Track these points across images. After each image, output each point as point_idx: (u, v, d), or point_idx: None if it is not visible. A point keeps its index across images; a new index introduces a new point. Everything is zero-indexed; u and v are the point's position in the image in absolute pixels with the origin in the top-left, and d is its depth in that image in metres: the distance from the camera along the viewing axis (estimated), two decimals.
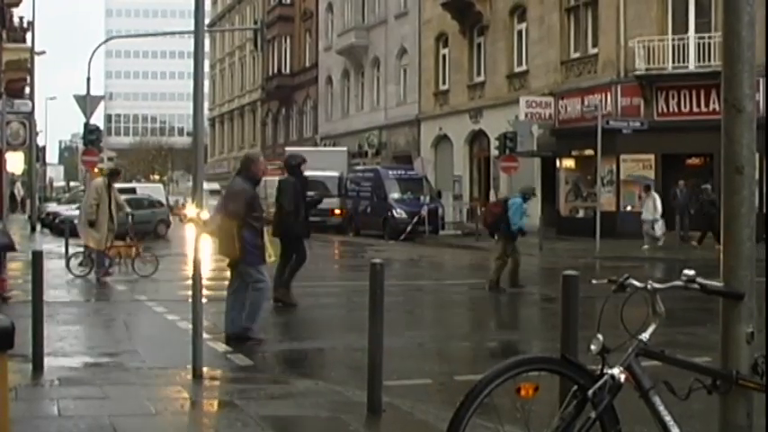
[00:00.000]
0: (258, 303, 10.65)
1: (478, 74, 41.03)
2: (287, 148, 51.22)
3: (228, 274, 11.05)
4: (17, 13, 44.56)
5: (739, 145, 4.13)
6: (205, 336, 8.68)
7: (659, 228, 27.09)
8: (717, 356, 4.23)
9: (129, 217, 19.83)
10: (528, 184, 23.06)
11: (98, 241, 17.76)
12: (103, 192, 17.88)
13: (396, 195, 36.24)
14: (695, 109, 29.77)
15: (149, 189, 47.05)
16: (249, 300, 10.63)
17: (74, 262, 18.98)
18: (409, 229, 33.57)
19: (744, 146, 4.13)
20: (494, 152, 35.46)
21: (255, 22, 48.65)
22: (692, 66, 29.64)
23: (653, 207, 27.21)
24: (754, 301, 4.17)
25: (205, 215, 9.10)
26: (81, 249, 19.15)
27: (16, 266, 20.05)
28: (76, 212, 33.25)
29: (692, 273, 4.09)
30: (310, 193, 16.18)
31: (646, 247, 26.38)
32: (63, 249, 23.37)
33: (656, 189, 29.06)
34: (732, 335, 4.15)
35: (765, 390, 3.99)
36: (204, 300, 13.41)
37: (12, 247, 13.76)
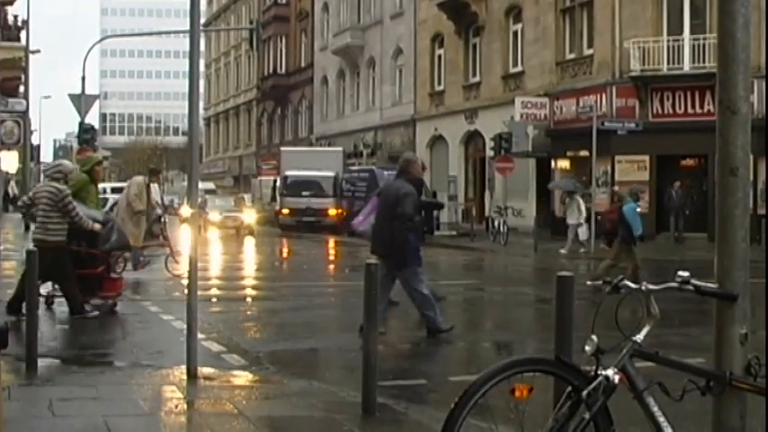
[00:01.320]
0: (426, 301, 10.88)
1: (474, 74, 41.05)
2: (282, 148, 51.33)
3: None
4: (12, 11, 44.48)
5: (734, 146, 4.13)
6: (200, 335, 8.67)
7: (583, 232, 27.13)
8: (711, 358, 4.24)
9: (163, 216, 20.01)
10: (636, 186, 22.86)
11: (135, 237, 17.90)
12: (143, 189, 17.98)
13: None
14: (690, 110, 29.81)
15: None
16: (416, 302, 11.05)
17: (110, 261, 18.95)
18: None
19: (738, 147, 4.13)
20: (489, 153, 35.49)
21: (251, 22, 48.68)
22: (686, 67, 29.68)
23: (577, 211, 27.26)
24: (747, 302, 4.17)
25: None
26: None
27: (10, 265, 20.04)
28: None
29: (686, 274, 4.09)
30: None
31: (563, 251, 26.38)
32: None
33: (650, 190, 29.12)
34: (726, 336, 4.15)
35: (765, 391, 3.99)
36: (214, 299, 13.52)
37: (128, 247, 13.91)
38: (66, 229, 12.12)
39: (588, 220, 27.25)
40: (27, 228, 38.19)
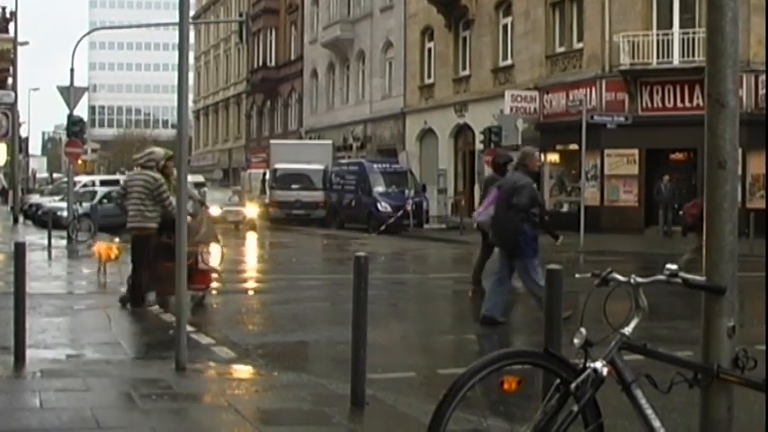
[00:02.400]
0: (541, 291, 10.81)
1: (464, 68, 41.04)
2: (271, 141, 51.26)
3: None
4: (0, 3, 44.35)
5: (722, 140, 4.14)
6: (188, 328, 8.66)
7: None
8: (699, 350, 4.25)
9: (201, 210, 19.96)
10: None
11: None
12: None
13: (380, 189, 36.27)
14: (679, 104, 29.87)
15: None
16: (532, 290, 11.16)
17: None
18: (392, 221, 33.57)
19: (727, 141, 4.14)
20: (479, 146, 35.50)
21: (240, 15, 48.49)
22: (676, 61, 29.74)
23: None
24: (735, 295, 4.19)
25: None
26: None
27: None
28: (60, 204, 33.25)
29: (674, 267, 4.10)
30: None
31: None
32: (45, 241, 23.29)
33: (639, 184, 29.18)
34: (714, 329, 4.16)
35: (766, 387, 4.00)
36: (200, 293, 13.47)
37: (216, 239, 13.96)
38: (158, 217, 12.25)
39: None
40: (16, 220, 38.20)
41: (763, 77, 28.16)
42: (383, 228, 32.99)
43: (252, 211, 38.29)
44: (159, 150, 13.39)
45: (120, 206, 12.95)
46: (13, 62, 42.94)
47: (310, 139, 54.62)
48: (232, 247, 27.97)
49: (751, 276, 14.08)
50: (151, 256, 12.31)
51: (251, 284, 17.27)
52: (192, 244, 12.91)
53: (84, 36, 37.87)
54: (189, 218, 12.57)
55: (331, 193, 40.08)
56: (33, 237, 27.10)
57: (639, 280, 4.11)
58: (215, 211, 37.58)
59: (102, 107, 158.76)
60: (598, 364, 3.93)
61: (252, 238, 32.10)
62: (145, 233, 12.23)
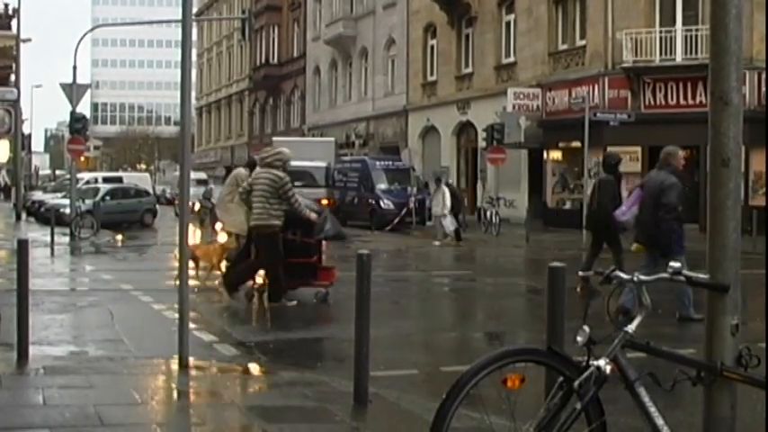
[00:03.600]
0: (686, 289, 10.87)
1: (466, 65, 41.03)
2: (274, 138, 51.21)
3: None
4: (2, 0, 44.38)
5: (726, 137, 4.14)
6: (191, 325, 8.66)
7: (449, 223, 27.19)
8: (702, 348, 4.25)
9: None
10: None
11: (242, 228, 18.00)
12: (245, 180, 18.12)
13: (383, 186, 36.23)
14: (682, 101, 29.84)
15: (136, 178, 46.96)
16: (678, 288, 11.00)
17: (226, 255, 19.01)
18: (397, 220, 33.56)
19: (730, 138, 4.14)
20: (481, 143, 35.47)
21: (243, 12, 48.54)
22: (679, 58, 29.70)
23: (442, 201, 27.33)
24: (739, 293, 4.19)
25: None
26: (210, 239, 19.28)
27: (1, 255, 20.02)
28: (62, 201, 33.29)
29: (677, 265, 4.10)
30: None
31: (437, 243, 26.48)
32: (48, 238, 23.31)
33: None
34: (717, 326, 4.16)
35: (766, 385, 4.00)
36: (196, 289, 13.51)
37: (342, 236, 14.13)
38: (282, 215, 12.41)
39: (454, 210, 27.43)
40: (18, 217, 38.22)
41: (766, 75, 28.11)
42: (389, 228, 32.95)
43: None
44: (287, 151, 13.61)
45: (245, 203, 13.11)
46: (16, 59, 42.97)
47: (313, 136, 54.58)
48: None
49: (754, 274, 14.07)
50: (281, 253, 12.61)
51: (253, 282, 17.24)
52: (317, 241, 13.19)
53: (87, 33, 37.86)
54: (314, 215, 12.80)
55: (333, 190, 40.04)
56: (36, 234, 27.12)
57: (643, 278, 4.11)
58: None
59: (105, 104, 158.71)
60: (601, 362, 3.93)
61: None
62: (269, 231, 12.44)
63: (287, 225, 12.61)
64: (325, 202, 39.96)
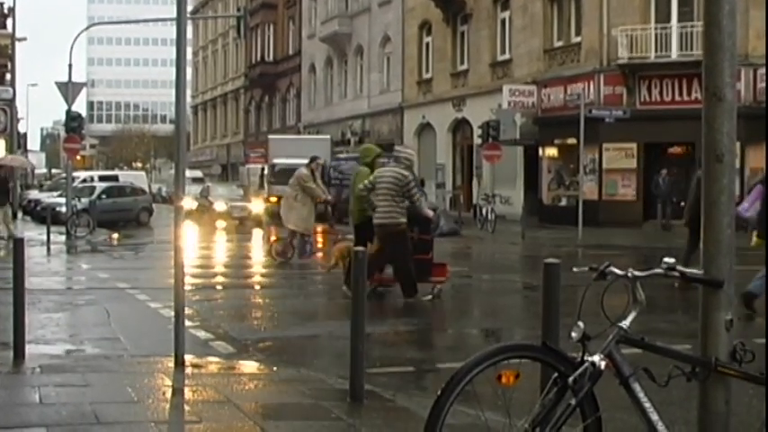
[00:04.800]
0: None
1: (462, 62, 41.04)
2: (269, 136, 51.20)
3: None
4: None
5: (720, 133, 4.15)
6: (187, 323, 8.67)
7: None
8: (696, 344, 4.26)
9: (329, 205, 20.33)
10: None
11: (306, 225, 18.12)
12: (309, 179, 18.41)
13: None
14: (677, 98, 29.87)
15: (132, 177, 46.92)
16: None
17: (275, 248, 19.04)
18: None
19: (724, 134, 4.14)
20: (477, 140, 35.50)
21: (238, 10, 48.46)
22: (674, 55, 29.74)
23: None
24: (732, 288, 4.20)
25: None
26: (284, 235, 19.38)
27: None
28: (58, 200, 33.27)
29: (672, 261, 4.11)
30: None
31: None
32: (44, 237, 23.29)
33: (638, 177, 29.21)
34: (711, 322, 4.17)
35: (766, 382, 4.01)
36: (192, 287, 13.52)
37: (457, 232, 14.23)
38: (405, 213, 12.56)
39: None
40: (15, 216, 38.17)
41: (761, 71, 28.15)
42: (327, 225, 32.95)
43: (257, 206, 37.84)
44: (412, 151, 14.06)
45: (367, 202, 13.19)
46: (12, 58, 42.94)
47: (308, 134, 54.57)
48: (225, 240, 28.01)
49: (749, 270, 14.07)
50: (409, 250, 12.81)
51: (250, 280, 17.27)
52: (432, 238, 13.43)
53: (83, 31, 37.79)
54: (431, 212, 13.13)
55: (329, 187, 39.99)
56: (32, 232, 27.11)
57: (637, 273, 4.11)
58: (220, 206, 37.37)
59: (101, 103, 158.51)
60: (596, 358, 3.93)
61: (255, 234, 32.02)
62: (397, 229, 12.60)
63: (408, 222, 12.86)
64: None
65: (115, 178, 43.74)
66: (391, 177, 12.61)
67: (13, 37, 43.11)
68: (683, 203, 28.89)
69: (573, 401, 3.90)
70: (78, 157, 38.40)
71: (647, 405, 4.01)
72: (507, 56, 37.66)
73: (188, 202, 32.00)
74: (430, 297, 12.89)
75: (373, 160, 14.28)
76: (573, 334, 4.01)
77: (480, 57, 39.12)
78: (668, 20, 30.39)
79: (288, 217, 18.61)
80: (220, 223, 35.38)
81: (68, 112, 30.15)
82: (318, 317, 12.33)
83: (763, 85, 28.02)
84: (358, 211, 13.85)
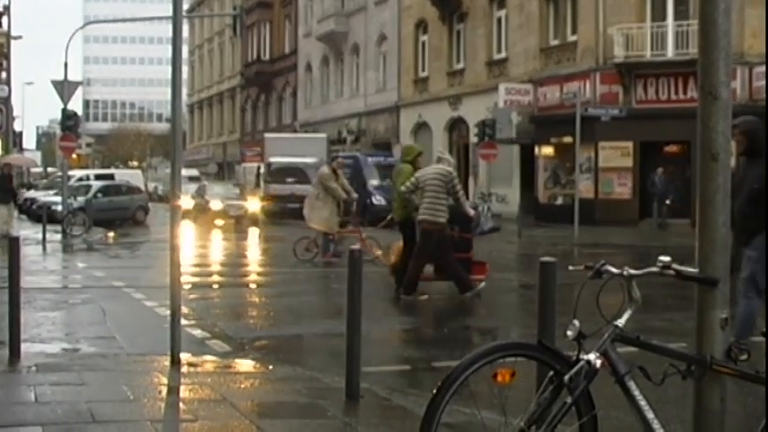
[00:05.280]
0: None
1: (458, 61, 41.05)
2: (266, 135, 51.18)
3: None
4: None
5: (715, 132, 4.15)
6: (183, 322, 8.66)
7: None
8: (692, 342, 4.26)
9: (353, 205, 20.42)
10: None
11: (330, 225, 18.12)
12: (331, 179, 18.50)
13: (375, 182, 36.23)
14: (673, 96, 29.91)
15: (128, 175, 46.88)
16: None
17: (299, 247, 19.01)
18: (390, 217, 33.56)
19: (719, 133, 4.15)
20: (473, 139, 35.52)
21: (234, 8, 48.49)
22: (670, 53, 29.77)
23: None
24: (728, 286, 4.20)
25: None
26: (307, 235, 19.30)
27: None
28: (54, 198, 33.24)
29: (667, 259, 4.11)
30: None
31: None
32: (40, 235, 23.27)
33: (634, 176, 29.22)
34: (707, 320, 4.18)
35: (766, 382, 4.02)
36: (189, 286, 13.51)
37: (497, 230, 14.34)
38: (447, 211, 12.71)
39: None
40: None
41: (757, 69, 28.17)
42: (382, 224, 32.98)
43: (253, 205, 37.81)
44: (449, 157, 14.09)
45: (408, 200, 13.32)
46: (7, 56, 42.90)
47: (305, 132, 54.55)
48: (233, 240, 28.00)
49: None
50: (452, 247, 12.96)
51: (246, 278, 17.27)
52: (472, 236, 13.71)
53: (78, 30, 37.79)
54: (472, 211, 13.33)
55: None
56: (28, 231, 27.08)
57: (633, 272, 4.12)
58: (217, 205, 37.31)
59: (97, 101, 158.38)
60: (591, 356, 3.93)
61: (252, 232, 32.02)
62: (439, 227, 12.72)
63: (450, 220, 12.98)
64: None
65: (111, 177, 43.70)
66: (436, 174, 12.82)
67: (8, 35, 43.09)
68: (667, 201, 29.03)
69: (569, 400, 3.90)
70: (74, 156, 38.40)
71: (643, 403, 4.01)
72: (503, 54, 37.67)
73: (185, 201, 31.97)
74: (480, 287, 13.03)
75: (415, 158, 14.45)
76: (569, 332, 4.01)
77: (476, 55, 39.13)
78: (664, 18, 30.42)
79: (310, 216, 18.66)
80: (217, 222, 35.31)
81: (64, 110, 30.15)
82: (314, 315, 12.33)
83: (760, 83, 28.05)
84: (401, 208, 14.06)
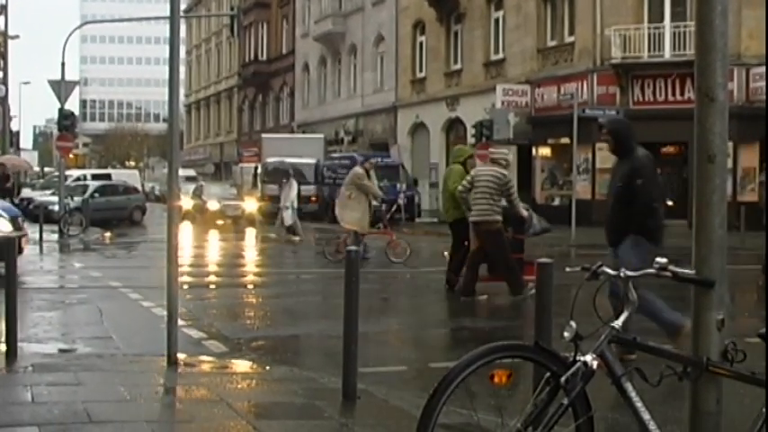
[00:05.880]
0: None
1: (455, 61, 41.06)
2: (263, 135, 51.21)
3: None
4: None
5: (711, 134, 4.15)
6: (180, 322, 8.66)
7: (288, 216, 27.16)
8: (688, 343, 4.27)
9: (382, 205, 20.48)
10: None
11: (362, 225, 18.16)
12: (364, 178, 18.57)
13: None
14: (670, 98, 29.93)
15: (125, 175, 46.87)
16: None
17: (329, 249, 19.03)
18: (389, 216, 33.58)
19: (716, 135, 4.15)
20: (470, 140, 35.49)
21: (232, 8, 48.41)
22: (667, 54, 29.79)
23: (287, 195, 27.39)
24: (725, 288, 4.21)
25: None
26: (336, 236, 19.45)
27: None
28: (51, 198, 33.20)
29: (664, 261, 4.12)
30: None
31: (272, 235, 26.39)
32: (37, 235, 23.25)
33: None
34: (703, 322, 4.18)
35: (766, 383, 4.02)
36: (185, 286, 13.50)
37: (548, 231, 14.50)
38: (501, 212, 12.84)
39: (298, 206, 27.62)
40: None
41: (754, 71, 28.21)
42: (379, 225, 33.00)
43: (251, 205, 37.73)
44: (506, 151, 14.44)
45: (463, 201, 13.32)
46: (4, 56, 42.85)
47: (302, 133, 54.56)
48: (230, 241, 27.99)
49: (742, 269, 14.11)
50: (508, 248, 13.08)
51: (243, 279, 17.27)
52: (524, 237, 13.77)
53: (76, 30, 37.75)
54: (525, 212, 13.45)
55: (323, 187, 40.01)
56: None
57: (629, 274, 4.13)
58: (213, 205, 37.33)
59: (94, 101, 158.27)
60: (588, 358, 3.94)
61: (249, 233, 32.02)
62: (495, 227, 12.85)
63: (504, 221, 13.10)
64: (314, 198, 40.14)
65: (108, 177, 43.67)
66: (491, 176, 12.88)
67: (5, 35, 43.06)
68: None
69: (565, 401, 3.91)
70: (71, 156, 38.36)
71: (639, 404, 4.02)
72: (501, 55, 37.68)
73: (183, 202, 31.94)
74: (521, 297, 12.98)
75: (466, 160, 14.64)
76: (565, 333, 4.02)
77: (474, 56, 39.14)
78: (661, 19, 30.44)
79: (343, 216, 18.69)
80: (217, 222, 35.32)
81: (61, 110, 30.13)
82: (311, 316, 12.32)
83: (757, 84, 28.09)
84: (452, 209, 14.18)
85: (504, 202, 13.07)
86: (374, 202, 19.35)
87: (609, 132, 8.67)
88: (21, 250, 15.22)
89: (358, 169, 18.96)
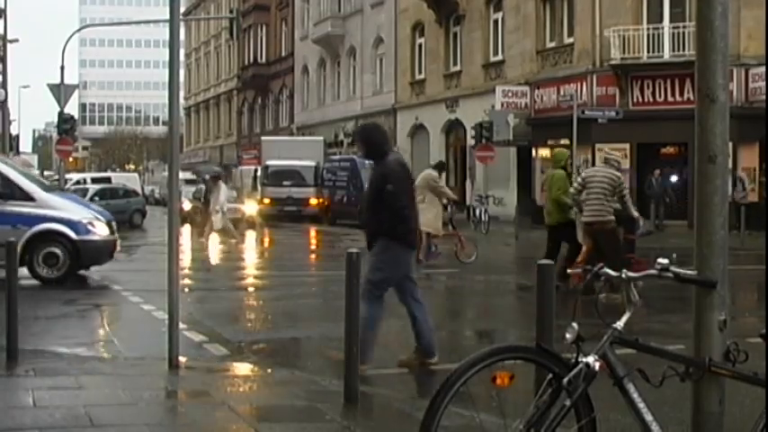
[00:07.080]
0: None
1: (455, 63, 41.06)
2: (262, 138, 51.24)
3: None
4: None
5: (712, 134, 4.15)
6: (181, 326, 8.65)
7: (218, 220, 26.96)
8: (690, 344, 4.27)
9: (450, 207, 20.57)
10: None
11: (434, 227, 18.20)
12: (438, 180, 18.71)
13: None
14: (670, 98, 29.92)
15: (124, 178, 46.87)
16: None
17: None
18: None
19: (717, 135, 4.15)
20: (470, 141, 35.54)
21: (231, 11, 48.50)
22: (666, 55, 29.78)
23: (216, 199, 27.25)
24: (726, 289, 4.21)
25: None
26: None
27: None
28: None
29: (665, 261, 4.11)
30: None
31: (202, 239, 26.33)
32: None
33: (631, 178, 29.16)
34: (705, 322, 4.18)
35: (766, 385, 4.02)
36: (186, 289, 13.50)
37: (651, 232, 14.62)
38: (613, 211, 13.03)
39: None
40: None
41: (753, 71, 28.21)
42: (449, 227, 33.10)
43: (251, 208, 37.64)
44: (618, 153, 14.65)
45: (575, 201, 13.53)
46: (3, 59, 42.85)
47: (302, 135, 54.56)
48: (219, 242, 27.93)
49: (743, 270, 14.12)
50: (621, 249, 13.18)
51: (243, 281, 17.26)
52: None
53: (75, 33, 37.78)
54: (636, 213, 13.51)
55: (323, 189, 40.03)
56: None
57: (631, 274, 4.12)
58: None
59: (93, 104, 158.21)
60: (590, 359, 3.94)
61: (249, 235, 31.96)
62: (609, 226, 13.05)
63: (618, 222, 13.28)
64: (314, 201, 40.14)
65: (108, 180, 43.67)
66: (605, 177, 13.12)
67: (4, 38, 43.06)
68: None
69: (567, 402, 3.90)
70: (71, 159, 38.37)
71: (642, 405, 4.01)
72: (500, 57, 37.68)
73: (183, 205, 31.92)
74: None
75: (566, 163, 14.96)
76: (567, 335, 4.01)
77: (473, 58, 39.14)
78: (660, 20, 30.44)
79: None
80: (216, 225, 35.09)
81: (61, 113, 30.15)
82: (313, 318, 12.32)
83: (756, 84, 28.08)
84: (556, 212, 14.25)
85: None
86: (453, 197, 19.64)
87: (358, 140, 8.93)
88: (112, 254, 15.96)
89: (432, 172, 18.97)
